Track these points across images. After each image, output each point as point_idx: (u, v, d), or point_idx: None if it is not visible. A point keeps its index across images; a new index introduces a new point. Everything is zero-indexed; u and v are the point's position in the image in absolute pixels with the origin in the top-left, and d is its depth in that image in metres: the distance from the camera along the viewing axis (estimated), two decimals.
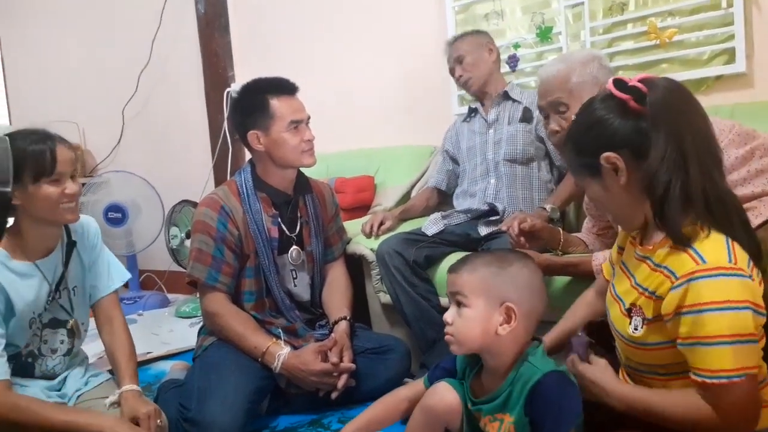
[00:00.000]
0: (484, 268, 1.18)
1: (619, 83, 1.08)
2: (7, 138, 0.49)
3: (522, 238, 1.68)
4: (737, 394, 0.99)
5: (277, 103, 1.88)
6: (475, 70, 2.24)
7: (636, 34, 2.28)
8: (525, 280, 1.18)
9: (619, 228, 1.32)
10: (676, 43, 2.20)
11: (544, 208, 1.98)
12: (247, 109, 1.90)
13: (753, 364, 1.00)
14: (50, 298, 1.55)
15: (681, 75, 2.15)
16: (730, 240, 1.03)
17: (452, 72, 2.31)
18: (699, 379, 1.01)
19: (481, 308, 1.16)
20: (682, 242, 1.04)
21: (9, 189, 0.46)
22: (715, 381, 0.99)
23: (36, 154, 1.43)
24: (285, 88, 1.91)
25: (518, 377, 1.15)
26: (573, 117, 1.52)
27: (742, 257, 1.02)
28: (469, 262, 1.21)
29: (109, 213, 3.42)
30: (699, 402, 1.03)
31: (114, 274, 1.71)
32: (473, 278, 1.17)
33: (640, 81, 1.07)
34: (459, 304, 1.18)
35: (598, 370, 1.18)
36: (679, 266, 1.03)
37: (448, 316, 1.20)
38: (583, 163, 1.14)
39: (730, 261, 1.00)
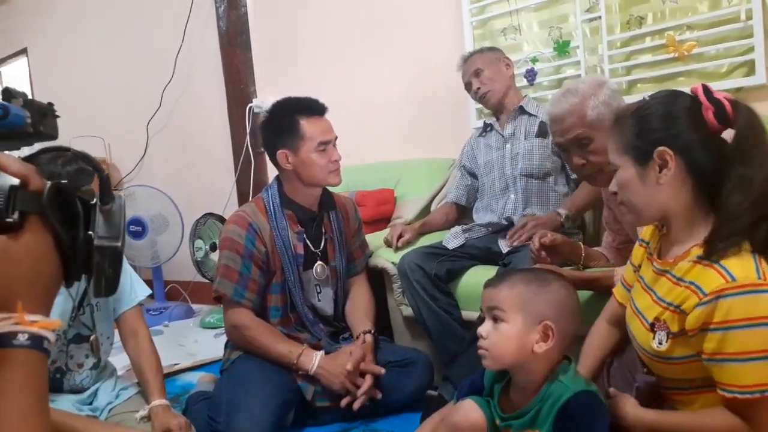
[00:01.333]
0: (523, 286, 1.19)
1: (707, 90, 1.10)
2: (122, 195, 0.54)
3: (543, 253, 1.70)
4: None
5: (306, 125, 1.92)
6: (494, 83, 2.25)
7: (654, 48, 2.29)
8: (564, 300, 1.19)
9: (635, 245, 1.34)
10: (694, 56, 2.20)
11: (558, 213, 2.00)
12: (277, 129, 1.94)
13: None
14: (73, 315, 1.59)
15: None
16: (757, 255, 1.04)
17: (468, 86, 2.32)
18: (729, 395, 1.02)
19: (519, 324, 1.17)
20: (713, 258, 1.05)
21: (119, 244, 0.50)
22: (748, 396, 1.00)
23: (72, 176, 1.47)
24: (315, 109, 1.95)
25: (548, 395, 1.16)
26: (599, 148, 1.52)
27: None
28: (508, 278, 1.23)
29: (131, 226, 3.52)
30: (731, 419, 1.04)
31: (137, 288, 1.74)
32: (513, 294, 1.19)
33: (727, 99, 1.09)
34: (495, 319, 1.19)
35: (625, 401, 1.19)
36: (706, 282, 1.03)
37: (483, 330, 1.21)
38: (635, 146, 1.14)
39: (759, 277, 1.01)
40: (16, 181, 0.50)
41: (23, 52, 5.02)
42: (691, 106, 1.11)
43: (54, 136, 0.58)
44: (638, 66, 2.34)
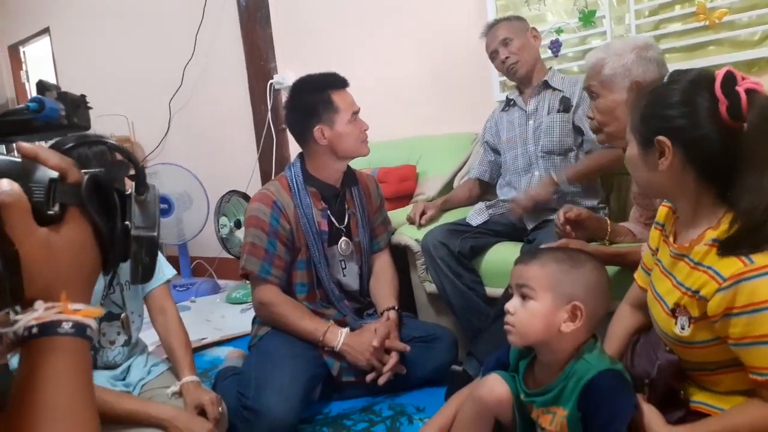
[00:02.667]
0: (554, 265, 1.19)
1: (728, 80, 1.05)
2: (155, 185, 0.55)
3: (568, 227, 1.69)
4: None
5: (337, 98, 1.94)
6: (523, 54, 2.18)
7: (683, 16, 2.22)
8: (594, 281, 1.19)
9: (651, 229, 1.32)
10: (726, 24, 2.13)
11: (551, 175, 2.01)
12: (310, 106, 1.95)
13: None
14: (104, 294, 1.62)
15: (731, 57, 2.10)
16: None
17: (494, 55, 2.24)
18: (762, 378, 1.01)
19: (548, 303, 1.17)
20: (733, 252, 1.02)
21: (155, 233, 0.52)
22: None
23: (99, 156, 1.48)
24: (341, 82, 1.98)
25: (573, 373, 1.17)
26: (601, 107, 1.56)
27: None
28: (539, 256, 1.23)
29: None
30: (764, 407, 1.03)
31: (164, 267, 1.78)
32: (543, 273, 1.19)
33: (747, 90, 1.03)
34: (524, 297, 1.19)
35: (652, 420, 1.16)
36: (724, 267, 1.02)
37: (510, 306, 1.21)
38: (638, 129, 1.14)
39: None
40: (55, 174, 0.51)
41: (45, 31, 5.06)
42: (708, 95, 1.06)
43: (87, 127, 0.59)
44: (667, 35, 2.27)
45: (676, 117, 1.08)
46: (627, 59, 1.54)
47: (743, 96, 1.03)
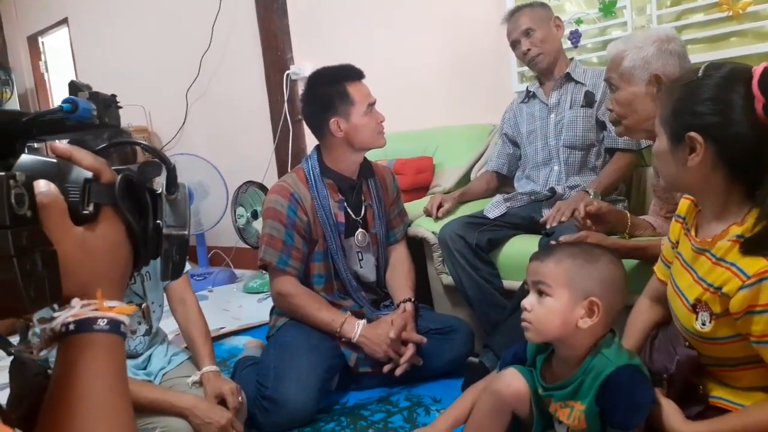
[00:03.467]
0: (570, 260, 1.19)
1: (766, 77, 1.02)
2: (186, 184, 0.56)
3: (588, 221, 1.68)
4: None
5: (353, 89, 1.94)
6: (545, 45, 2.15)
7: (706, 6, 2.18)
8: (610, 276, 1.19)
9: (672, 222, 1.31)
10: (750, 15, 2.09)
11: (587, 192, 1.96)
12: (326, 99, 1.95)
13: None
14: (132, 282, 1.65)
15: (755, 48, 2.06)
16: None
17: (515, 45, 2.20)
18: None
19: (565, 300, 1.17)
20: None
21: (186, 232, 0.53)
22: None
23: (118, 150, 1.50)
24: (356, 73, 1.98)
25: (591, 368, 1.17)
26: (620, 99, 1.55)
27: None
28: (555, 252, 1.23)
29: None
30: None
31: None
32: (559, 269, 1.18)
33: None
34: (540, 293, 1.19)
35: (672, 416, 1.16)
36: (749, 264, 1.01)
37: (527, 303, 1.21)
38: (670, 122, 1.11)
39: None
40: (89, 175, 0.52)
41: (64, 22, 5.10)
42: (745, 92, 1.03)
43: (118, 126, 0.60)
44: (689, 26, 2.24)
45: (709, 113, 1.06)
46: (647, 52, 1.53)
47: None
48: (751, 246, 1.02)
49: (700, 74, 1.10)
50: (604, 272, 1.18)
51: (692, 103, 1.08)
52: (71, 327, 0.51)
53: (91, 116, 0.56)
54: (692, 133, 1.06)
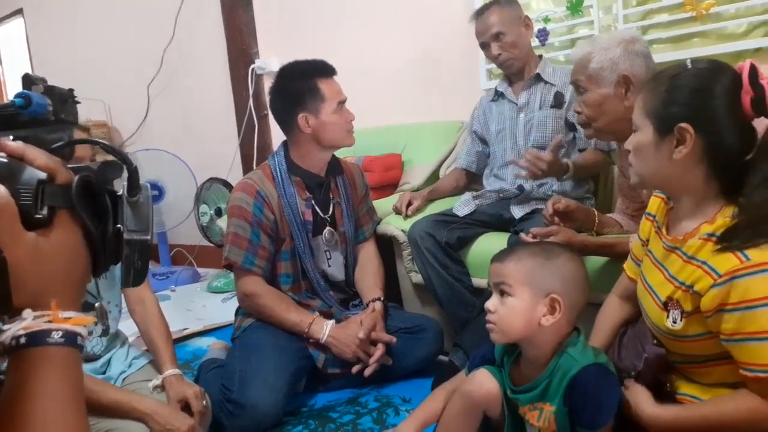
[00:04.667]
0: (530, 259, 1.19)
1: (753, 72, 1.04)
2: (149, 185, 0.52)
3: (557, 218, 1.69)
4: None
5: (324, 86, 1.90)
6: (516, 49, 2.11)
7: (671, 7, 2.21)
8: (570, 272, 1.19)
9: (642, 219, 1.32)
10: (713, 15, 2.13)
11: (567, 164, 1.94)
12: (296, 93, 1.91)
13: None
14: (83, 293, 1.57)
15: (718, 48, 2.10)
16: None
17: (485, 47, 2.17)
18: (752, 374, 1.01)
19: (526, 298, 1.17)
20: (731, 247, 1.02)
21: (149, 237, 0.49)
22: None
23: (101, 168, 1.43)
24: (329, 70, 1.94)
25: (557, 368, 1.16)
26: (588, 101, 1.55)
27: None
28: (514, 252, 1.22)
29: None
30: (751, 400, 1.03)
31: None
32: (519, 268, 1.18)
33: None
34: (503, 294, 1.19)
35: (640, 399, 1.17)
36: (720, 263, 1.02)
37: (490, 304, 1.21)
38: (659, 113, 1.10)
39: None
40: (43, 176, 0.48)
41: (19, 12, 4.90)
42: (731, 85, 1.05)
43: (75, 122, 0.56)
44: (654, 26, 2.27)
45: (699, 105, 1.07)
46: (614, 53, 1.53)
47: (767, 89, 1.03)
48: (727, 238, 1.03)
49: (689, 66, 1.10)
50: (564, 269, 1.18)
51: (683, 95, 1.08)
52: (22, 340, 0.47)
53: (46, 112, 0.52)
54: (683, 124, 1.06)
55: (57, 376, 0.48)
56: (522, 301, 1.17)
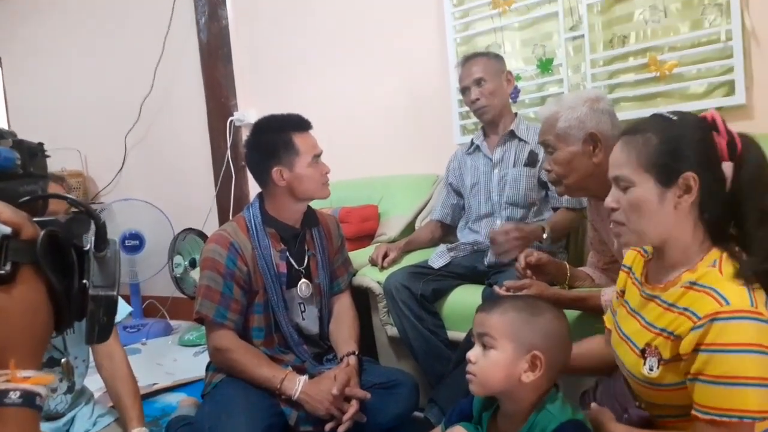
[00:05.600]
0: (515, 313, 1.18)
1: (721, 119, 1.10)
2: (117, 240, 0.51)
3: (529, 271, 1.70)
4: None
5: (299, 140, 1.92)
6: (493, 99, 2.18)
7: (636, 67, 2.31)
8: (555, 330, 1.18)
9: (620, 272, 1.34)
10: (676, 76, 2.23)
11: (543, 227, 1.99)
12: (271, 147, 1.92)
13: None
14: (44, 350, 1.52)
15: (681, 107, 2.18)
16: (749, 286, 1.05)
17: (465, 91, 2.22)
18: (706, 417, 1.02)
19: (509, 353, 1.16)
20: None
21: (114, 293, 0.49)
22: (725, 419, 1.00)
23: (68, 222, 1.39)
24: (304, 124, 1.96)
25: (536, 424, 1.15)
26: (558, 159, 1.59)
27: (761, 300, 1.03)
28: (501, 304, 1.22)
29: (126, 241, 3.46)
30: None
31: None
32: (503, 321, 1.18)
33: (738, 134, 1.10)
34: (485, 346, 1.18)
35: (601, 415, 1.20)
36: (700, 307, 1.04)
37: (471, 355, 1.20)
38: (664, 165, 1.11)
39: (752, 305, 1.01)
40: (8, 230, 0.48)
41: None
42: (704, 134, 1.10)
43: (44, 176, 0.55)
44: (621, 85, 2.36)
45: (704, 154, 1.10)
46: (580, 111, 1.59)
47: (736, 136, 1.09)
48: (743, 274, 1.06)
49: (676, 119, 1.14)
50: (548, 326, 1.18)
51: (688, 145, 1.11)
52: None
53: (14, 166, 0.52)
54: (689, 173, 1.08)
55: None
56: (504, 354, 1.16)
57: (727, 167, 1.10)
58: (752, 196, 1.09)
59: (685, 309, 1.07)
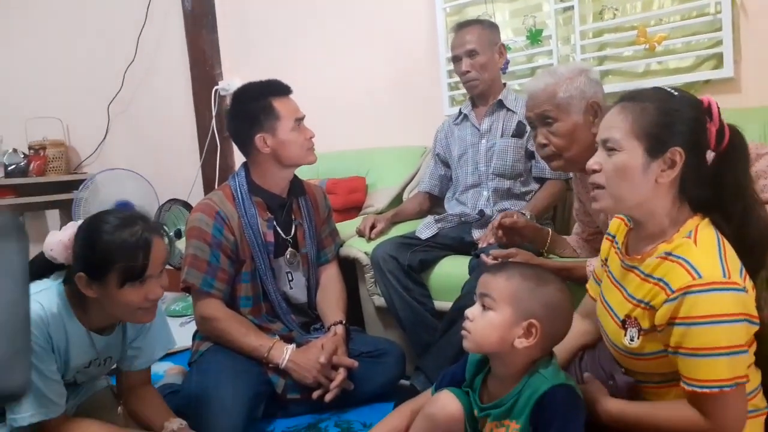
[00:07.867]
0: (520, 280, 1.19)
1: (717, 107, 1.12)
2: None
3: (500, 232, 1.71)
4: (729, 402, 1.04)
5: (279, 105, 1.90)
6: (484, 72, 2.16)
7: (626, 39, 2.30)
8: (556, 302, 1.19)
9: (603, 240, 1.35)
10: (665, 49, 2.22)
11: (523, 213, 1.98)
12: (251, 114, 1.90)
13: (743, 373, 1.04)
14: (88, 365, 1.48)
15: (669, 80, 2.18)
16: (722, 252, 1.06)
17: (456, 59, 2.18)
18: (689, 389, 1.05)
19: (507, 317, 1.17)
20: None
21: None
22: (706, 390, 1.03)
23: (128, 255, 1.30)
24: (283, 89, 1.94)
25: (527, 386, 1.17)
26: (560, 131, 1.57)
27: (734, 269, 1.05)
28: (508, 269, 1.23)
29: None
30: (690, 411, 1.07)
31: (158, 347, 1.60)
32: (507, 286, 1.18)
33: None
34: (484, 306, 1.19)
35: (593, 387, 1.23)
36: (674, 279, 1.06)
37: (470, 312, 1.21)
38: (656, 135, 1.11)
39: (724, 276, 1.03)
40: None
41: None
42: (708, 117, 1.12)
43: None
44: (610, 57, 2.35)
45: (696, 133, 1.11)
46: (579, 81, 1.57)
47: (726, 127, 1.11)
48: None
49: (675, 93, 1.14)
50: (550, 298, 1.18)
51: (683, 121, 1.11)
52: None
53: None
54: (677, 148, 1.09)
55: None
56: (502, 318, 1.17)
57: (710, 156, 1.12)
58: (731, 192, 1.12)
59: (660, 279, 1.09)
